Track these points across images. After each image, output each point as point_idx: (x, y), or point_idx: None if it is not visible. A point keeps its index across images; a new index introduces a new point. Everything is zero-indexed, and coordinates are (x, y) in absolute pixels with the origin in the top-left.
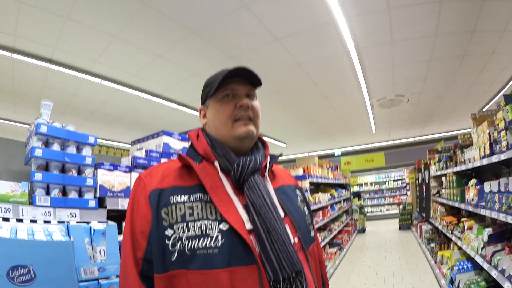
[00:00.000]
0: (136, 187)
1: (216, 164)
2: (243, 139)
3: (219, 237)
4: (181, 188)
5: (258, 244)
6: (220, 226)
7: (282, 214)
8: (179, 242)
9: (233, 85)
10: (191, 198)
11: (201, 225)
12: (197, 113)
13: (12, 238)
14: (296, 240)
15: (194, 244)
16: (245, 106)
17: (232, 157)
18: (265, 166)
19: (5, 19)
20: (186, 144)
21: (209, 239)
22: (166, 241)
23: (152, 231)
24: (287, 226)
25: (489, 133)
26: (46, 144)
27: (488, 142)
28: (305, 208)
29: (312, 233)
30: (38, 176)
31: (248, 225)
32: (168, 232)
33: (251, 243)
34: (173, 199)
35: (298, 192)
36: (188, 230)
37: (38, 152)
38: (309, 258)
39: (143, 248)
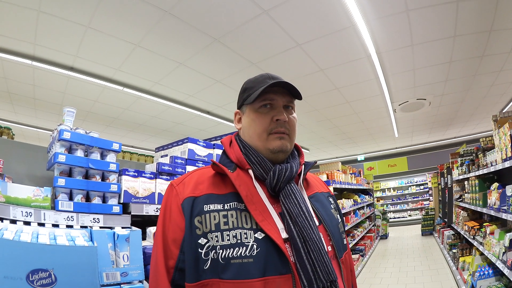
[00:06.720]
0: (168, 195)
1: (250, 172)
2: (277, 153)
3: (255, 246)
4: (215, 196)
5: (293, 253)
6: (256, 235)
7: (316, 222)
8: (213, 251)
9: (272, 95)
10: (226, 207)
11: (236, 234)
12: (219, 119)
13: (32, 242)
14: (330, 248)
15: (229, 253)
16: (282, 121)
17: (268, 165)
18: (299, 173)
19: (23, 28)
20: (211, 151)
21: (244, 248)
22: (199, 250)
23: (185, 240)
24: (321, 235)
25: (510, 135)
26: (70, 150)
27: (510, 144)
28: (338, 216)
29: (345, 241)
30: (61, 181)
31: (284, 234)
32: (202, 241)
33: (287, 252)
34: (207, 207)
35: (331, 199)
36: (222, 239)
37: (61, 158)
38: (341, 266)
39: (175, 256)
